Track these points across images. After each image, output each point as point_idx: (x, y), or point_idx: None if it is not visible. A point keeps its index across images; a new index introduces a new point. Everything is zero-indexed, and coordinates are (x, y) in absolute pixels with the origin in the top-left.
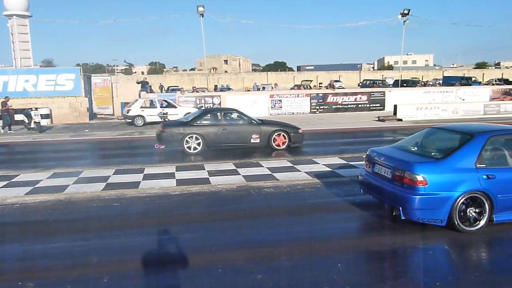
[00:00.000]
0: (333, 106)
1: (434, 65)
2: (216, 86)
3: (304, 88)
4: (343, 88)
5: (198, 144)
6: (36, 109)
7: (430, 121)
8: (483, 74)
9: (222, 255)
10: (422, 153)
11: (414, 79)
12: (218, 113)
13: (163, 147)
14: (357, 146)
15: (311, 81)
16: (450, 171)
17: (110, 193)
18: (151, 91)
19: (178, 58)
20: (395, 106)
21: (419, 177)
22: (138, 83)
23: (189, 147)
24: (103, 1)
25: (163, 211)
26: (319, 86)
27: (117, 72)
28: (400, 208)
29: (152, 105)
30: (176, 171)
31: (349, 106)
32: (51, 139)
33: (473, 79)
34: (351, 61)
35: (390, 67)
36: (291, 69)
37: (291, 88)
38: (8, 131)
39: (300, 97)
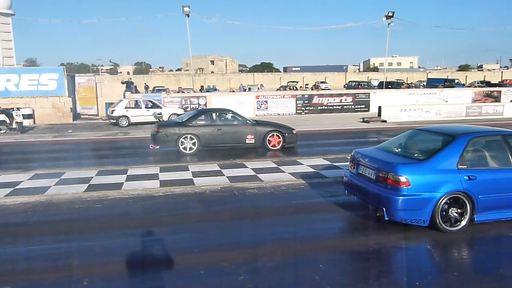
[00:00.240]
0: (319, 107)
1: (419, 67)
2: (202, 86)
3: (290, 89)
4: (329, 89)
5: (193, 144)
6: (18, 109)
7: (413, 122)
8: (466, 76)
9: (204, 257)
10: (405, 155)
11: (398, 81)
12: (213, 114)
13: (158, 147)
14: (342, 147)
15: (297, 82)
16: (433, 172)
17: (92, 195)
18: (136, 91)
19: (164, 58)
20: (380, 108)
21: (402, 178)
22: (123, 83)
23: (184, 148)
24: (87, 0)
25: (146, 212)
26: (305, 87)
27: (102, 72)
28: (384, 208)
29: (137, 105)
30: (160, 172)
31: (334, 107)
32: (33, 139)
33: (456, 81)
34: (337, 62)
35: (375, 69)
36: (277, 70)
37: (278, 89)
38: None
39: (286, 98)
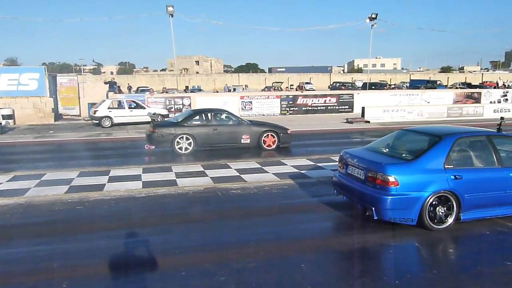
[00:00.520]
0: (303, 108)
1: (402, 68)
2: (187, 87)
3: (275, 89)
4: (313, 90)
5: (189, 144)
6: None
7: (396, 123)
8: (448, 78)
9: (187, 258)
10: (393, 155)
11: (382, 82)
12: (209, 114)
13: (153, 147)
14: (325, 148)
15: (282, 82)
16: (420, 172)
17: (73, 196)
18: (120, 92)
19: (148, 58)
20: (363, 108)
21: (391, 178)
22: (105, 83)
23: (180, 148)
24: None
25: (128, 214)
26: (290, 88)
27: (85, 72)
28: (373, 208)
29: (120, 106)
30: (142, 173)
31: (318, 108)
32: (13, 140)
33: (438, 82)
34: (322, 63)
35: (359, 70)
36: (262, 71)
37: (262, 90)
38: None
39: (271, 99)
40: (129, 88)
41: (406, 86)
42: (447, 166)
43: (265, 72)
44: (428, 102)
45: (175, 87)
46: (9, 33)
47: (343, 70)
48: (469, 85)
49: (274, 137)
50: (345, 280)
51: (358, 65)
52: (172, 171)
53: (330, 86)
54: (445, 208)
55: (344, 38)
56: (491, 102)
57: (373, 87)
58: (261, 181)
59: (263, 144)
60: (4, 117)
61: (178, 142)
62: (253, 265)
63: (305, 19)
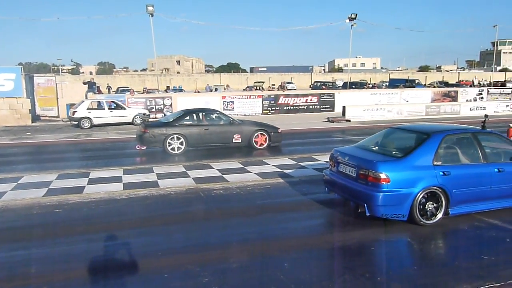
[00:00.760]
0: (285, 108)
1: (381, 67)
2: (168, 87)
3: (257, 89)
4: (295, 89)
5: (181, 144)
6: None
7: (376, 121)
8: (426, 77)
9: (169, 260)
10: (384, 152)
11: (362, 81)
12: (200, 114)
13: (144, 148)
14: (307, 147)
15: (263, 82)
16: (410, 169)
17: (51, 199)
18: (99, 92)
19: (128, 58)
20: (344, 108)
21: (383, 175)
22: (84, 83)
23: (172, 148)
24: None
25: (108, 216)
26: (272, 88)
27: (63, 72)
28: (365, 205)
29: (99, 106)
30: (123, 174)
31: (300, 107)
32: None
33: (416, 81)
34: (303, 63)
35: (340, 70)
36: (244, 71)
37: (244, 90)
38: None
39: (252, 99)
40: (109, 88)
41: (386, 85)
42: (436, 162)
43: (247, 72)
44: (407, 101)
45: (156, 87)
46: None
47: (324, 70)
48: (446, 84)
49: (265, 136)
50: (328, 278)
51: (338, 64)
52: (153, 172)
53: (311, 86)
54: (434, 204)
55: (324, 38)
56: (467, 101)
57: (353, 87)
58: (244, 181)
59: (255, 144)
60: None
61: (169, 142)
62: (236, 265)
63: (286, 19)
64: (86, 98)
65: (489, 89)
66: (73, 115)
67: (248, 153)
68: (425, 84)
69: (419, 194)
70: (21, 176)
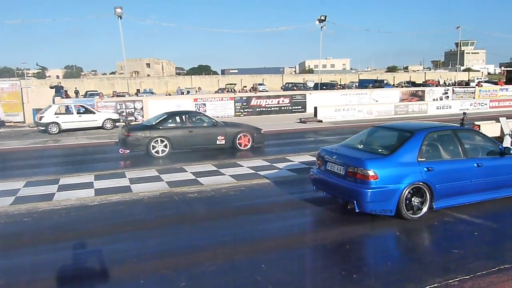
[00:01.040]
0: (257, 109)
1: (351, 68)
2: (138, 90)
3: (228, 91)
4: (266, 91)
5: (165, 147)
6: None
7: (347, 121)
8: (394, 77)
9: (144, 266)
10: (370, 150)
11: (332, 82)
12: (183, 116)
13: (128, 151)
14: (281, 148)
15: (235, 84)
16: (397, 166)
17: (19, 208)
18: (67, 96)
19: (97, 61)
20: (315, 108)
21: (371, 172)
22: (51, 87)
23: (156, 151)
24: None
25: (80, 223)
26: (243, 90)
27: (28, 76)
28: (355, 201)
29: (68, 111)
30: (94, 180)
31: (272, 108)
32: None
33: (385, 81)
34: (274, 64)
35: (310, 71)
36: (215, 73)
37: (216, 92)
38: None
39: (224, 101)
40: (76, 92)
41: (355, 85)
42: (420, 159)
43: (218, 74)
44: (377, 101)
45: (126, 91)
46: None
47: (295, 71)
48: (414, 84)
49: (248, 137)
50: (305, 277)
51: (309, 66)
52: (125, 177)
53: (283, 87)
54: (419, 199)
55: (295, 39)
56: (434, 100)
57: (324, 87)
58: (218, 184)
59: (238, 145)
60: None
61: (153, 145)
62: (213, 268)
63: (257, 21)
64: (54, 102)
65: (454, 89)
66: (40, 120)
67: (222, 155)
68: (393, 84)
69: (405, 190)
70: None
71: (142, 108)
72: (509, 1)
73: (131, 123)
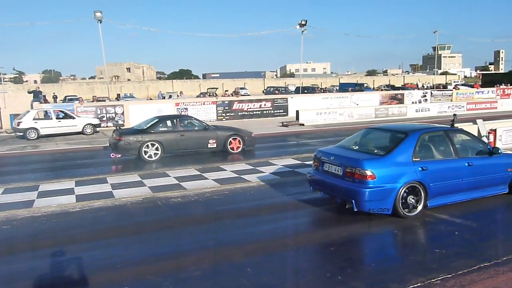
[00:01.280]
0: (239, 113)
1: (331, 72)
2: (118, 95)
3: (210, 95)
4: (248, 95)
5: (157, 151)
6: None
7: (329, 125)
8: (374, 80)
9: (128, 271)
10: (366, 151)
11: (313, 85)
12: (175, 120)
13: (119, 156)
14: (263, 151)
15: (216, 88)
16: (393, 165)
17: None
18: (45, 101)
19: (76, 66)
20: (297, 112)
21: (369, 172)
22: (29, 92)
23: (149, 156)
24: None
25: (61, 230)
26: (225, 94)
27: (5, 81)
28: (353, 201)
29: (47, 116)
30: (75, 186)
31: (254, 112)
32: None
33: (365, 85)
34: (255, 69)
35: (292, 75)
36: (196, 77)
37: (197, 96)
38: None
39: (206, 105)
40: (55, 97)
41: (336, 89)
42: (415, 159)
43: (199, 78)
44: (357, 104)
45: (106, 96)
46: None
47: (276, 75)
48: (393, 87)
49: (239, 141)
50: (290, 279)
51: (290, 69)
52: (107, 183)
53: (265, 91)
54: (414, 197)
55: (276, 43)
56: (413, 102)
57: (305, 91)
58: (202, 188)
59: (229, 148)
60: None
61: (145, 149)
62: (198, 273)
63: (238, 25)
64: (32, 107)
65: (432, 92)
66: (18, 126)
67: (205, 160)
68: (373, 88)
69: (401, 189)
70: None
71: (123, 113)
72: (484, 7)
73: (122, 127)
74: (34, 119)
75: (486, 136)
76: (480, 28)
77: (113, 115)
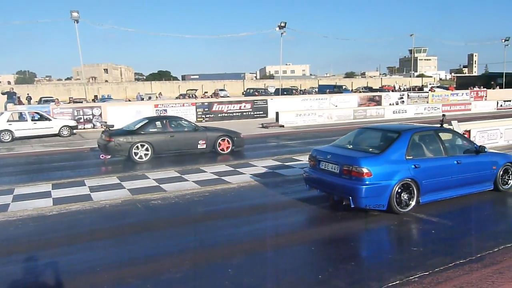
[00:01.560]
0: (219, 115)
1: (311, 74)
2: (96, 96)
3: (190, 97)
4: (228, 96)
5: (147, 152)
6: None
7: (308, 126)
8: (352, 82)
9: (109, 275)
10: (361, 150)
11: (293, 87)
12: (164, 121)
13: (109, 157)
14: (244, 153)
15: (196, 90)
16: (388, 163)
17: None
18: (20, 103)
19: (52, 66)
20: (277, 113)
21: (365, 170)
22: (3, 93)
23: (140, 157)
24: None
25: (38, 234)
26: (205, 95)
27: None
28: (350, 198)
29: (21, 118)
30: (52, 189)
31: (234, 114)
32: None
33: (344, 87)
34: (235, 70)
35: (271, 76)
36: (175, 78)
37: (177, 97)
38: None
39: (186, 106)
40: (29, 99)
41: (315, 91)
42: (408, 157)
43: (179, 80)
44: (336, 106)
45: (83, 97)
46: None
47: (256, 77)
48: (371, 89)
49: (228, 142)
50: (271, 280)
51: (269, 71)
52: (85, 185)
53: (244, 93)
54: (407, 194)
55: (255, 45)
56: (390, 104)
57: (285, 93)
58: (182, 190)
59: (219, 149)
60: None
61: (135, 150)
62: (180, 275)
63: (218, 26)
64: (6, 109)
65: (409, 93)
66: None
67: (185, 161)
68: (351, 90)
69: (396, 186)
70: None
71: (100, 115)
72: (458, 11)
73: (111, 128)
74: (8, 121)
75: None
76: (455, 32)
77: (91, 116)
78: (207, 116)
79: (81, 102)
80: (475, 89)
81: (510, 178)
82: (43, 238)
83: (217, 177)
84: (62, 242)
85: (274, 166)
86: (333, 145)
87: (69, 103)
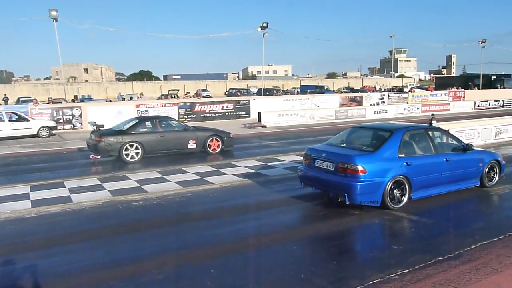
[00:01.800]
0: (201, 115)
1: (293, 75)
2: (76, 96)
3: (172, 97)
4: (210, 97)
5: (137, 151)
6: None
7: (291, 126)
8: (334, 83)
9: (89, 277)
10: (355, 148)
11: (275, 88)
12: (154, 121)
13: (99, 157)
14: (226, 153)
15: (178, 90)
16: (381, 161)
17: None
18: None
19: (30, 66)
20: (259, 114)
21: (360, 167)
22: None
23: (131, 157)
24: None
25: (15, 237)
26: (187, 96)
27: None
28: (346, 194)
29: None
30: (30, 191)
31: (216, 114)
32: None
33: (325, 87)
34: (217, 70)
35: (253, 77)
36: (157, 78)
37: (158, 98)
38: None
39: (168, 107)
40: (6, 99)
41: (297, 91)
42: (400, 155)
43: (160, 80)
44: (318, 106)
45: (63, 97)
46: None
47: (238, 77)
48: (352, 90)
49: (218, 141)
50: (253, 279)
51: (252, 72)
52: (65, 187)
53: (227, 93)
54: (400, 190)
55: (238, 46)
56: (371, 105)
57: (267, 93)
58: (164, 191)
59: (209, 149)
60: None
61: (126, 150)
62: (161, 276)
63: (200, 26)
64: None
65: (389, 94)
66: None
67: (166, 162)
68: (333, 90)
69: (389, 182)
70: None
71: (80, 115)
72: (437, 13)
73: (101, 128)
74: None
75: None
76: (434, 34)
77: (71, 117)
78: (189, 116)
79: (61, 102)
80: (453, 89)
81: (495, 175)
82: (21, 240)
83: (200, 177)
84: (41, 244)
85: (256, 166)
86: (327, 143)
87: (48, 103)
